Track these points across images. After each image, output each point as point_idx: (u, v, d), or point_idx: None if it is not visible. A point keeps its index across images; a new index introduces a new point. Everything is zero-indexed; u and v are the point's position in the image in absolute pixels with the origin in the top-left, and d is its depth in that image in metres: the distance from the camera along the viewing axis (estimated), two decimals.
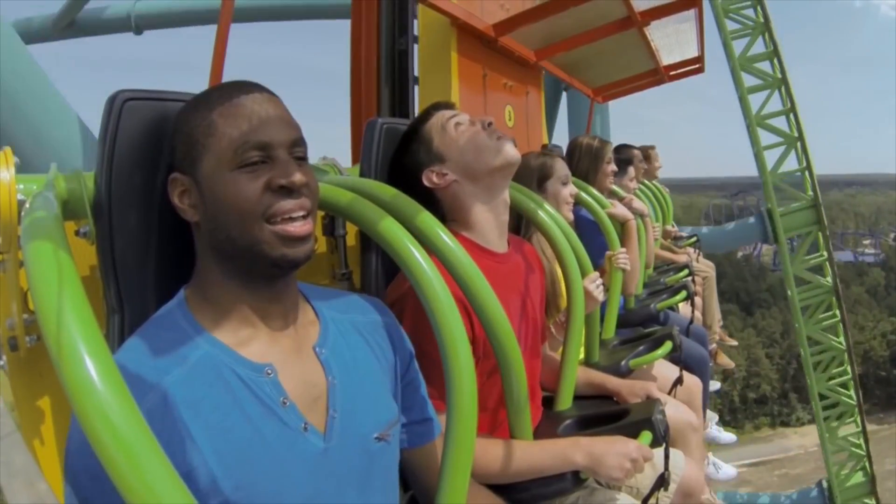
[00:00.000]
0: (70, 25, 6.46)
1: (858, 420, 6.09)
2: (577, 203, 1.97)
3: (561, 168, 1.84)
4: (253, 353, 0.71)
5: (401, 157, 1.22)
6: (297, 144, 0.74)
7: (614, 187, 2.57)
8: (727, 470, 3.41)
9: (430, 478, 0.91)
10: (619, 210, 2.25)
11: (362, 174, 1.23)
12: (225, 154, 0.70)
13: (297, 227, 0.71)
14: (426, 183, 1.18)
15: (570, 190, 1.85)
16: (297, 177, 0.71)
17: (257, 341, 0.72)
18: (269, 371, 0.71)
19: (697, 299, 3.24)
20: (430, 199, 1.17)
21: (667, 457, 1.22)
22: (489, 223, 1.20)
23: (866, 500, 6.13)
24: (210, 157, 0.71)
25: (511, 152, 1.18)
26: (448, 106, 1.24)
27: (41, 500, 0.80)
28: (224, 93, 0.73)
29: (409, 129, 1.23)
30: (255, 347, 0.72)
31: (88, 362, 0.50)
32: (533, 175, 1.79)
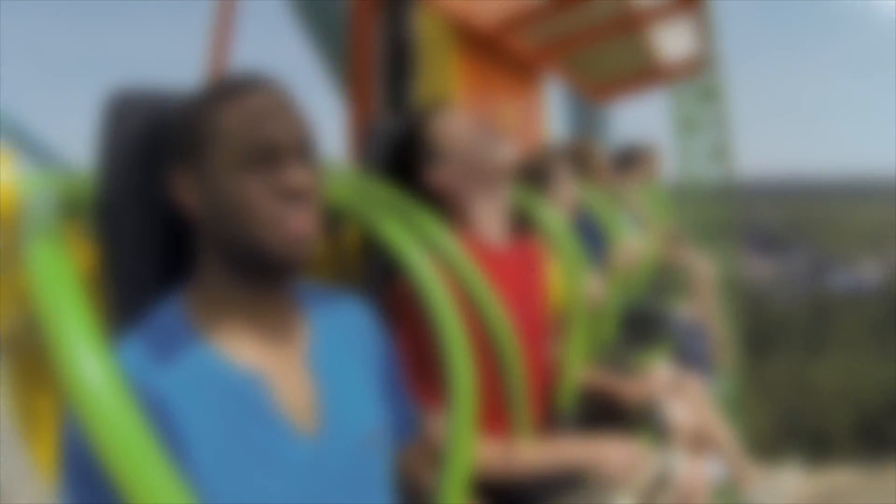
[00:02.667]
0: None
1: None
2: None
3: (562, 169, 1.85)
4: (245, 360, 0.71)
5: (399, 156, 1.21)
6: (307, 146, 0.73)
7: (616, 188, 2.57)
8: (720, 468, 3.40)
9: (411, 477, 0.91)
10: (633, 248, 2.17)
11: (362, 174, 1.23)
12: (230, 152, 0.69)
13: (301, 229, 0.70)
14: (424, 182, 1.18)
15: (571, 192, 1.87)
16: (304, 181, 0.70)
17: (251, 347, 0.72)
18: (260, 379, 0.71)
19: (698, 299, 3.23)
20: (428, 198, 1.17)
21: (667, 457, 1.22)
22: (488, 222, 1.20)
23: None
24: (215, 154, 0.70)
25: (509, 154, 1.18)
26: (447, 105, 1.24)
27: (41, 501, 0.80)
28: (236, 86, 0.72)
29: (407, 128, 1.23)
30: (249, 354, 0.72)
31: (88, 362, 0.50)
32: (535, 176, 1.79)
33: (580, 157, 2.47)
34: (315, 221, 0.73)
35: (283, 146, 0.70)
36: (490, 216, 1.20)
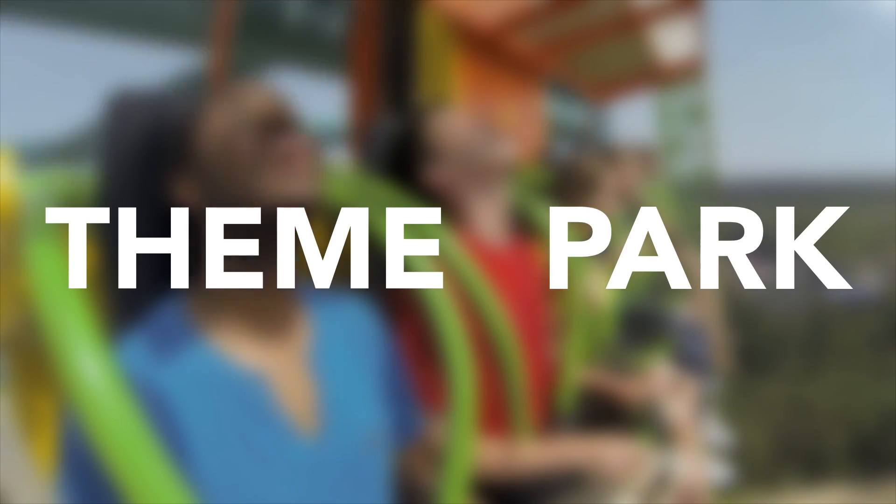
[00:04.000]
0: None
1: None
2: None
3: (608, 181, 1.84)
4: (246, 361, 0.71)
5: (398, 155, 1.21)
6: (295, 127, 0.73)
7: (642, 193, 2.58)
8: (722, 470, 3.40)
9: (411, 477, 0.91)
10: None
11: (362, 173, 1.23)
12: (224, 135, 0.70)
13: (297, 188, 0.69)
14: (423, 181, 1.18)
15: (615, 203, 1.86)
16: (299, 146, 0.70)
17: (252, 347, 0.72)
18: (261, 380, 0.71)
19: (698, 299, 3.23)
20: (427, 198, 1.17)
21: (667, 457, 1.22)
22: (488, 221, 1.20)
23: None
24: (210, 144, 0.71)
25: (511, 153, 1.18)
26: (448, 103, 1.24)
27: (41, 501, 0.80)
28: (228, 88, 0.74)
29: (406, 127, 1.23)
30: (250, 353, 0.72)
31: (88, 362, 0.50)
32: (586, 180, 1.77)
33: (613, 162, 2.47)
34: (314, 187, 0.72)
35: (276, 119, 0.71)
36: (489, 215, 1.20)
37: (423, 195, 1.14)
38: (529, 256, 1.33)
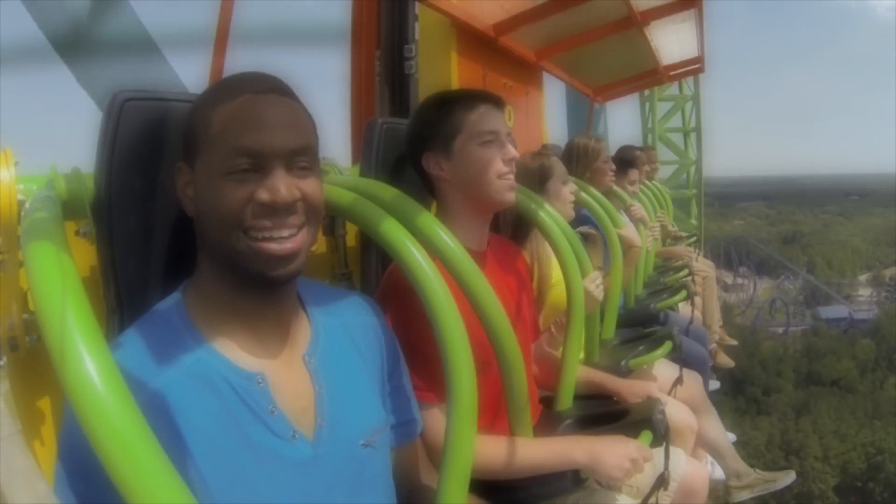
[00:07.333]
0: None
1: None
2: (579, 204, 1.97)
3: (559, 167, 1.84)
4: (245, 361, 0.71)
5: (422, 122, 1.18)
6: (299, 154, 0.69)
7: (615, 188, 2.57)
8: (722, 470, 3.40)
9: (410, 474, 0.91)
10: (630, 234, 2.25)
11: (362, 174, 1.23)
12: (215, 157, 0.68)
13: (279, 247, 0.68)
14: (423, 163, 1.17)
15: (569, 188, 1.86)
16: (284, 193, 0.67)
17: (250, 349, 0.72)
18: (260, 380, 0.70)
19: (697, 299, 3.24)
20: (421, 177, 1.18)
21: (667, 456, 1.22)
22: (469, 226, 1.19)
23: None
24: (204, 157, 0.69)
25: (511, 198, 1.18)
26: (495, 104, 1.18)
27: (41, 501, 0.80)
28: (231, 87, 0.70)
29: (446, 101, 1.17)
30: (248, 355, 0.71)
31: (88, 362, 0.50)
32: (534, 176, 1.78)
33: (585, 155, 2.47)
34: (305, 233, 0.71)
35: (270, 154, 0.67)
36: (472, 221, 1.19)
37: (419, 175, 1.15)
38: (510, 256, 1.32)
